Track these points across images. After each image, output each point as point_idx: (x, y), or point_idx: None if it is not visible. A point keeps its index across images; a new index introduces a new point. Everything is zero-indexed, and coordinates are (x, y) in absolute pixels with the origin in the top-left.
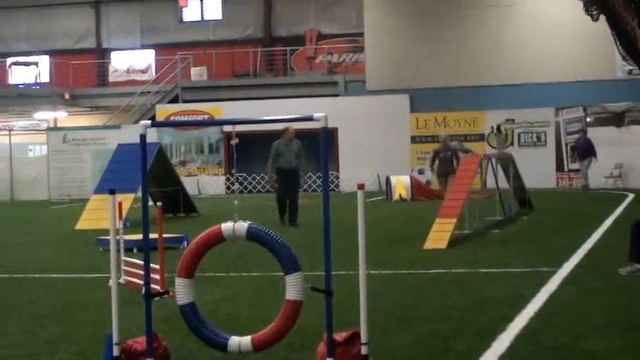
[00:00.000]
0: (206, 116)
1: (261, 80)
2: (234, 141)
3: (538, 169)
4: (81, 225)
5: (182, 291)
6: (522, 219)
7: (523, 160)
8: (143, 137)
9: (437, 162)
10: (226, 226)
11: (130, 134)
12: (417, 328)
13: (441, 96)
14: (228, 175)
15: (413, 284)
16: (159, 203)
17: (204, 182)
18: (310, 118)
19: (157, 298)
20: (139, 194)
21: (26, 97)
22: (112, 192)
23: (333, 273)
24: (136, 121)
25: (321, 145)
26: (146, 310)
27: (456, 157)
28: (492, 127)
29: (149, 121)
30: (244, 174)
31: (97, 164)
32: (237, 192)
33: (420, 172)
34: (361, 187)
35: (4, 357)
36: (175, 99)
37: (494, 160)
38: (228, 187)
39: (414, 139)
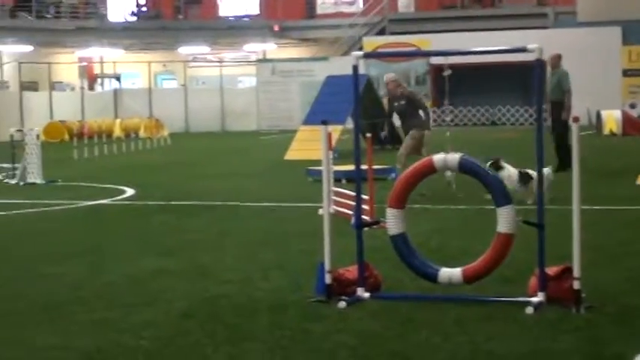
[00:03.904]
0: (413, 48)
1: (468, 12)
2: (447, 72)
3: None
4: (290, 155)
5: (393, 221)
6: None
7: None
8: (355, 68)
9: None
10: (438, 158)
11: (337, 66)
12: (631, 264)
13: None
14: (434, 108)
15: (626, 220)
16: (368, 135)
17: None
18: (523, 50)
19: (366, 229)
20: (347, 126)
21: (236, 29)
22: (324, 123)
23: (545, 207)
24: (344, 54)
25: (535, 77)
26: (357, 240)
27: (414, 104)
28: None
29: (361, 52)
30: (452, 107)
31: (305, 96)
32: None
33: (632, 106)
34: (576, 120)
35: (221, 282)
36: (382, 31)
37: None
38: (434, 120)
39: (625, 73)
